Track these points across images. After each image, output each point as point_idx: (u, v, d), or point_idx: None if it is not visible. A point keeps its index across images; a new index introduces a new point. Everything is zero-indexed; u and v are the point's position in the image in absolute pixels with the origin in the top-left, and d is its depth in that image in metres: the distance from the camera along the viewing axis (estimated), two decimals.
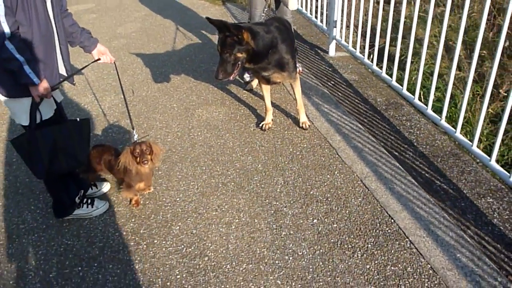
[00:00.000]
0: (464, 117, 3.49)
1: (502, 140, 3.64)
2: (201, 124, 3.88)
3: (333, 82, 4.52)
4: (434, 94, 3.59)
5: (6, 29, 2.09)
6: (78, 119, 2.62)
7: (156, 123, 3.94)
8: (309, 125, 3.73)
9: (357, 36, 4.71)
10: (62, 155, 2.47)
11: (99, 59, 2.81)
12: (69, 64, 2.64)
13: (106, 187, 3.13)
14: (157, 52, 5.41)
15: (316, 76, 4.62)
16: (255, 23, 3.50)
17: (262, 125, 3.76)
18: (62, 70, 2.59)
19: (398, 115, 3.92)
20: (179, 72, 4.85)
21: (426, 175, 3.15)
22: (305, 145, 3.51)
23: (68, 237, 2.79)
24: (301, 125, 3.73)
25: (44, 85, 2.30)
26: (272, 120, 3.80)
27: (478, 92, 4.35)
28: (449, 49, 4.90)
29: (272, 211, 2.88)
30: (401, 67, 4.16)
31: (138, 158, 2.70)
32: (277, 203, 2.94)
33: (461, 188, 3.01)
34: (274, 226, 2.77)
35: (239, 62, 3.16)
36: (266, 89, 3.71)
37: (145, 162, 2.69)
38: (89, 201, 2.91)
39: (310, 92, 4.28)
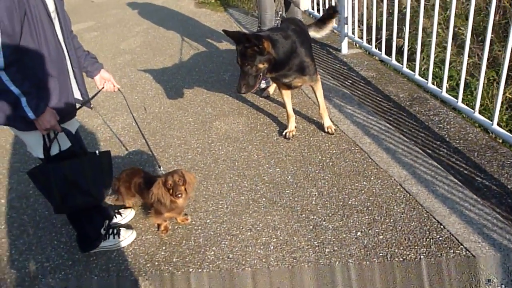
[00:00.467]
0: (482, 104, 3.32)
1: None
2: (221, 138, 3.70)
3: (350, 81, 4.34)
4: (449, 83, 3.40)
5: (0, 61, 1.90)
6: (97, 152, 2.43)
7: (174, 140, 3.77)
8: (334, 129, 3.54)
9: (371, 31, 4.53)
10: (76, 191, 2.29)
11: (102, 88, 2.65)
12: (84, 87, 2.47)
13: (131, 215, 2.96)
14: (164, 65, 5.24)
15: (332, 76, 4.43)
16: (271, 29, 3.33)
17: (286, 133, 3.58)
18: (77, 95, 2.43)
19: (424, 110, 3.73)
20: (190, 84, 4.68)
21: (465, 172, 2.97)
22: (334, 151, 3.32)
23: (97, 272, 2.61)
24: (326, 130, 3.55)
25: (46, 117, 2.09)
26: (295, 127, 3.62)
27: (493, 77, 4.16)
28: (455, 36, 4.73)
29: (311, 227, 2.69)
30: (413, 59, 3.98)
31: (172, 191, 2.51)
32: (315, 217, 2.76)
33: (504, 183, 2.82)
34: (315, 243, 2.58)
35: (261, 73, 3.02)
36: (286, 95, 3.53)
37: (179, 195, 2.51)
38: (115, 231, 2.74)
39: (330, 93, 4.10)
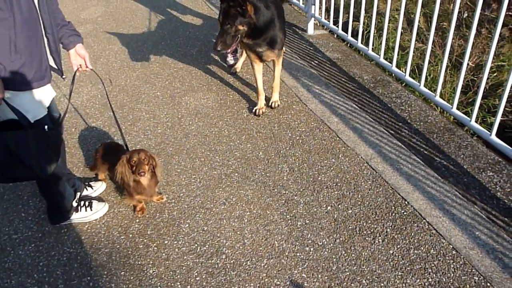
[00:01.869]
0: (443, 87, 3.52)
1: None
2: (190, 113, 3.69)
3: (316, 62, 4.42)
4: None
5: None
6: (46, 127, 2.26)
7: (142, 114, 3.72)
8: (278, 105, 3.67)
9: (339, 13, 4.61)
10: (17, 164, 2.18)
11: (76, 71, 2.53)
12: (58, 55, 2.38)
13: (102, 187, 2.93)
14: (129, 37, 5.11)
15: (299, 56, 4.50)
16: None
17: (256, 110, 3.63)
18: (51, 62, 2.34)
19: (387, 92, 3.88)
20: (157, 58, 4.61)
21: (425, 152, 3.14)
22: (303, 129, 3.41)
23: (69, 244, 2.58)
24: (271, 103, 3.68)
25: None
26: (265, 104, 3.67)
27: (448, 64, 4.38)
28: (410, 22, 4.94)
29: (283, 201, 2.78)
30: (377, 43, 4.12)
31: (135, 168, 2.47)
32: (287, 192, 2.85)
33: (461, 164, 3.01)
34: (288, 216, 2.67)
35: (239, 35, 3.09)
36: (258, 70, 3.59)
37: (142, 173, 2.47)
38: (87, 203, 2.71)
39: (298, 73, 4.17)
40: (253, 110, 3.65)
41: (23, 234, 2.67)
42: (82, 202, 2.71)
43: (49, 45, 2.30)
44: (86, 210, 2.70)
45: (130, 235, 2.62)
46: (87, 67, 2.55)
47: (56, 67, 2.38)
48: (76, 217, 2.68)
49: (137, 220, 2.71)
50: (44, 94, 2.31)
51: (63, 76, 2.48)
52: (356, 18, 4.40)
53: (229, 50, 3.23)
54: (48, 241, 2.61)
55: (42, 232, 2.67)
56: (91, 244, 2.58)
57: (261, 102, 3.66)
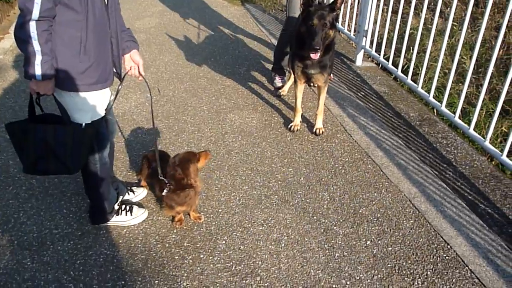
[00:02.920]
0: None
1: None
2: (234, 130, 3.72)
3: (363, 93, 4.41)
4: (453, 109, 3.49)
5: (36, 11, 1.91)
6: (83, 124, 2.32)
7: (188, 126, 3.77)
8: (322, 132, 3.67)
9: (390, 48, 4.60)
10: (52, 158, 2.24)
11: (128, 71, 2.57)
12: (119, 60, 2.44)
13: (143, 194, 2.96)
14: (179, 50, 5.23)
15: (346, 86, 4.50)
16: None
17: (291, 126, 3.73)
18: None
19: (433, 132, 3.82)
20: (205, 73, 4.69)
21: (470, 197, 3.06)
22: (347, 159, 3.38)
23: (107, 246, 2.61)
24: (315, 130, 3.68)
25: (46, 84, 2.09)
26: (300, 121, 3.74)
27: (493, 109, 4.29)
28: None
29: (322, 230, 2.74)
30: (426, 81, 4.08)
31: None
32: (326, 220, 2.81)
33: (506, 213, 2.91)
34: (326, 246, 2.63)
35: (326, 41, 3.24)
36: (300, 90, 3.68)
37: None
38: (127, 208, 2.74)
39: (344, 102, 4.16)
40: (289, 126, 3.73)
41: (63, 230, 2.71)
42: (124, 206, 2.74)
43: (112, 49, 2.37)
44: (126, 215, 2.73)
45: (167, 245, 2.63)
46: (140, 74, 2.59)
47: (115, 71, 2.45)
48: (116, 220, 2.72)
49: (175, 231, 2.72)
50: (105, 96, 2.38)
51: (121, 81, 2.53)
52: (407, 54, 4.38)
53: (319, 52, 3.23)
54: (87, 241, 2.64)
55: (82, 230, 2.71)
56: (128, 248, 2.60)
57: (297, 119, 3.73)
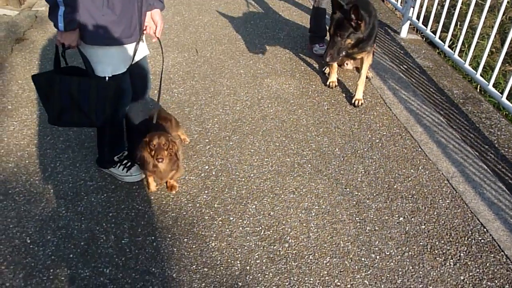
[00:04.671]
0: None
1: None
2: (271, 95, 3.65)
3: (406, 66, 4.23)
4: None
5: None
6: (107, 77, 2.32)
7: (223, 88, 3.73)
8: (361, 103, 3.58)
9: (438, 21, 4.37)
10: (75, 109, 2.27)
11: (144, 30, 2.46)
12: (141, 17, 2.37)
13: None
14: (219, 11, 5.13)
15: (388, 57, 4.33)
16: (360, 4, 3.23)
17: (329, 83, 3.78)
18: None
19: (477, 111, 3.65)
20: (244, 35, 4.59)
21: (510, 181, 2.93)
22: (384, 133, 3.28)
23: (138, 201, 2.64)
24: (354, 101, 3.59)
25: (70, 36, 2.10)
26: (337, 78, 3.80)
27: None
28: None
29: (354, 202, 2.69)
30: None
31: (154, 153, 2.40)
32: (359, 193, 2.75)
33: None
34: (357, 219, 2.58)
35: (345, 48, 3.17)
36: None
37: (160, 159, 2.38)
38: (128, 164, 2.73)
39: (386, 74, 4.01)
40: (327, 83, 3.77)
41: (97, 182, 2.75)
42: (125, 162, 2.73)
43: (139, 6, 2.31)
44: (123, 170, 2.72)
45: (197, 205, 2.64)
46: (155, 35, 2.51)
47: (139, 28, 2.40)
48: (113, 171, 2.74)
49: (206, 191, 2.72)
50: (129, 51, 2.34)
51: (142, 39, 2.46)
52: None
53: (335, 61, 3.29)
54: (120, 194, 2.68)
55: (115, 184, 2.75)
56: (159, 205, 2.62)
57: (334, 76, 3.77)
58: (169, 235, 2.44)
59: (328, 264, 2.32)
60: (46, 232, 2.42)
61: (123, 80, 2.41)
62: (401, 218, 2.60)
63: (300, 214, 2.60)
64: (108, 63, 2.30)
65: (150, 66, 3.90)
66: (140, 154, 2.46)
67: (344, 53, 3.21)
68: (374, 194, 2.75)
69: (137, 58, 2.45)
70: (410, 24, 4.79)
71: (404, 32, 4.87)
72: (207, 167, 2.91)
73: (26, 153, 2.95)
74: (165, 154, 2.40)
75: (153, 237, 2.43)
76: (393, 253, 2.40)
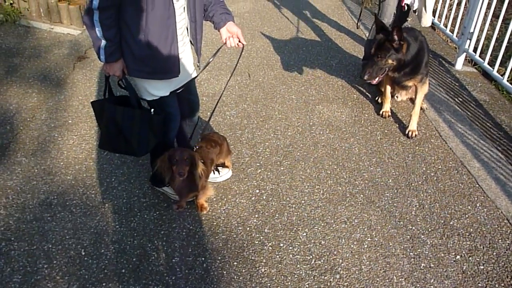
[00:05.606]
0: None
1: None
2: (322, 122, 3.64)
3: (461, 99, 4.12)
4: None
5: (95, 1, 1.99)
6: (152, 111, 2.38)
7: (275, 113, 3.75)
8: (415, 135, 3.49)
9: (497, 53, 4.26)
10: (120, 137, 2.34)
11: (224, 43, 2.49)
12: (200, 44, 2.44)
13: (227, 174, 2.98)
14: (271, 37, 5.21)
15: (443, 89, 4.23)
16: (405, 30, 3.22)
17: (382, 112, 3.72)
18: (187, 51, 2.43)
19: None
20: (296, 61, 4.63)
21: None
22: (440, 166, 3.18)
23: (190, 221, 2.66)
24: (407, 132, 3.51)
25: (113, 67, 2.21)
26: (390, 108, 3.74)
27: None
28: None
29: (408, 236, 2.60)
30: None
31: (175, 167, 2.39)
32: (413, 227, 2.67)
33: None
34: (411, 254, 2.49)
35: (386, 68, 3.15)
36: (389, 85, 3.62)
37: (181, 173, 2.36)
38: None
39: (441, 107, 3.92)
40: (380, 113, 3.73)
41: (150, 200, 2.80)
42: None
43: (192, 31, 2.36)
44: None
45: (248, 228, 2.63)
46: (239, 42, 2.49)
47: (196, 53, 2.46)
48: (165, 190, 2.78)
49: (256, 216, 2.72)
50: (170, 84, 2.40)
51: (198, 63, 2.51)
52: None
53: (375, 82, 3.24)
54: (171, 213, 2.71)
55: (167, 202, 2.79)
56: (209, 226, 2.63)
57: (387, 106, 3.71)
58: (219, 257, 2.44)
59: None
60: (100, 246, 2.47)
61: (169, 104, 2.46)
62: (458, 257, 2.49)
63: (352, 245, 2.54)
64: (152, 90, 2.39)
65: (205, 88, 3.99)
66: (158, 166, 2.45)
67: (384, 72, 3.18)
68: (429, 230, 2.66)
69: (184, 81, 2.49)
70: (466, 57, 4.69)
71: (459, 64, 4.77)
72: (257, 191, 2.91)
73: (84, 166, 3.04)
74: (185, 169, 2.39)
75: (203, 258, 2.43)
76: None
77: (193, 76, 2.58)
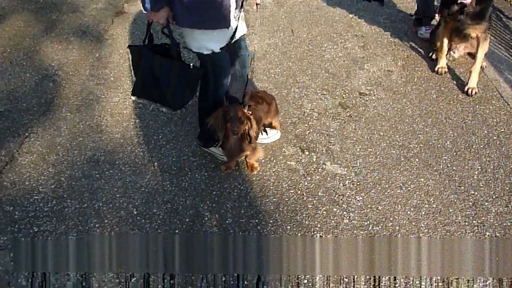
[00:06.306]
0: None
1: None
2: (372, 82, 3.46)
3: None
4: None
5: None
6: (191, 65, 2.24)
7: (322, 71, 3.58)
8: (475, 92, 3.28)
9: None
10: (154, 87, 2.25)
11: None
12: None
13: (276, 136, 2.87)
14: None
15: (502, 46, 3.95)
16: None
17: (438, 68, 3.51)
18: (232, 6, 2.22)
19: None
20: (341, 17, 4.39)
21: None
22: (503, 129, 3.00)
23: (240, 181, 2.59)
24: (467, 89, 3.31)
25: (158, 14, 2.07)
26: (447, 63, 3.53)
27: None
28: None
29: (470, 203, 2.47)
30: None
31: (229, 124, 2.28)
32: (476, 193, 2.53)
33: None
34: (474, 222, 2.37)
35: None
36: (447, 30, 3.39)
37: (235, 131, 2.26)
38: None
39: (501, 65, 3.67)
40: (435, 69, 3.52)
41: (200, 159, 2.73)
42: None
43: None
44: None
45: (299, 191, 2.54)
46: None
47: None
48: (213, 151, 2.69)
49: (308, 178, 2.62)
50: (221, 34, 2.23)
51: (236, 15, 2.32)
52: None
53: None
54: (220, 174, 2.64)
55: (215, 163, 2.71)
56: (260, 188, 2.56)
57: (443, 61, 3.50)
58: (271, 221, 2.38)
59: (442, 270, 2.14)
60: (152, 205, 2.43)
61: (220, 58, 2.33)
62: None
63: (408, 212, 2.43)
64: (200, 42, 2.23)
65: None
66: (212, 123, 2.35)
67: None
68: (494, 197, 2.52)
69: (235, 37, 2.34)
70: None
71: None
72: (307, 153, 2.80)
73: (130, 123, 2.99)
74: (240, 127, 2.29)
75: (256, 220, 2.37)
76: None
77: (243, 28, 2.43)
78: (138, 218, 2.37)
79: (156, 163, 2.69)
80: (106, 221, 2.37)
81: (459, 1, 2.98)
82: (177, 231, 2.30)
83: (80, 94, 3.24)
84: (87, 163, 2.69)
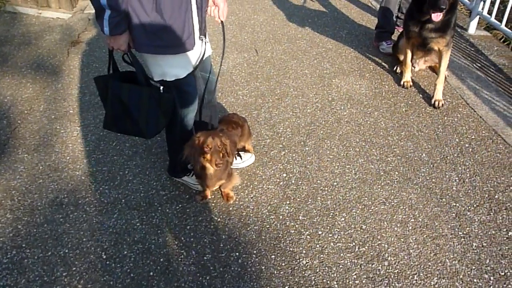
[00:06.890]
0: None
1: None
2: (342, 97, 3.41)
3: (479, 65, 3.91)
4: None
5: None
6: (161, 89, 2.12)
7: (290, 90, 3.50)
8: (442, 104, 3.28)
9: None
10: (126, 117, 2.12)
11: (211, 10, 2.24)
12: (204, 20, 2.16)
13: (250, 160, 2.75)
14: (274, 9, 4.92)
15: (461, 55, 4.01)
16: None
17: (403, 83, 3.50)
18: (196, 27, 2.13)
19: None
20: (304, 34, 4.36)
21: None
22: (473, 137, 2.98)
23: (216, 213, 2.44)
24: (433, 102, 3.30)
25: (118, 40, 1.95)
26: (411, 78, 3.54)
27: None
28: None
29: (454, 214, 2.41)
30: None
31: (209, 156, 2.14)
32: (457, 204, 2.48)
33: None
34: (460, 233, 2.31)
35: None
36: (411, 46, 3.40)
37: (219, 164, 2.12)
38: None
39: (462, 73, 3.71)
40: (401, 83, 3.52)
41: (170, 192, 2.57)
42: None
43: (198, 8, 2.10)
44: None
45: (281, 217, 2.42)
46: (219, 17, 2.25)
47: (199, 32, 2.17)
48: (186, 180, 2.56)
49: (288, 202, 2.50)
50: (188, 56, 2.13)
51: (201, 37, 2.21)
52: None
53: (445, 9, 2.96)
54: (195, 205, 2.49)
55: (189, 194, 2.56)
56: (239, 217, 2.42)
57: (408, 75, 3.50)
58: (254, 251, 2.23)
59: (437, 286, 2.06)
60: (122, 247, 2.24)
61: (187, 83, 2.21)
62: (510, 233, 2.32)
63: (395, 228, 2.35)
64: (164, 68, 2.11)
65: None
66: (187, 153, 2.20)
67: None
68: (475, 205, 2.47)
69: (200, 58, 2.23)
70: (479, 20, 4.46)
71: (472, 29, 4.55)
72: (285, 175, 2.69)
73: (92, 159, 2.79)
74: (224, 159, 2.16)
75: (237, 253, 2.22)
76: (508, 273, 2.11)
77: (209, 51, 2.32)
78: (108, 262, 2.17)
79: (123, 200, 2.50)
80: (74, 268, 2.16)
81: (432, 19, 2.96)
82: (151, 273, 2.12)
83: (37, 132, 3.02)
84: (49, 206, 2.48)
